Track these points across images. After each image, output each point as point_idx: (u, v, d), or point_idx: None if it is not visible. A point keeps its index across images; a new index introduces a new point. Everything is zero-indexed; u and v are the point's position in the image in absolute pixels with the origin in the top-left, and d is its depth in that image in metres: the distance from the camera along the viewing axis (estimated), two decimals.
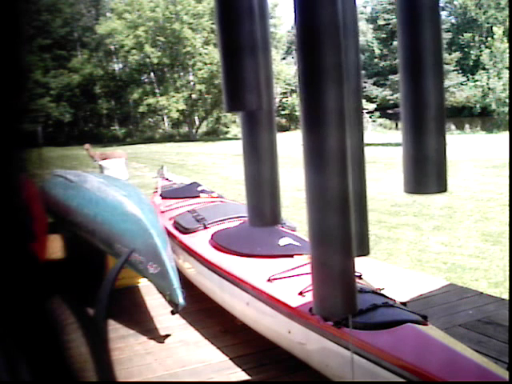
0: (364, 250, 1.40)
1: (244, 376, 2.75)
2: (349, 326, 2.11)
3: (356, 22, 1.32)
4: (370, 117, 31.97)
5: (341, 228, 1.14)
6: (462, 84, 33.86)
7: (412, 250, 5.72)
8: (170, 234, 3.75)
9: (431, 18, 1.09)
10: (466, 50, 38.50)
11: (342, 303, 1.18)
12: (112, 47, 34.27)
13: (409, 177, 1.15)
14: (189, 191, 4.92)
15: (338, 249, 1.15)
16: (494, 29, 27.58)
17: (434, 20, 1.09)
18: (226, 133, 35.91)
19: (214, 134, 35.49)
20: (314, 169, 1.13)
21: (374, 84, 35.88)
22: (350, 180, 1.14)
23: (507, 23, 29.12)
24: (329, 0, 1.06)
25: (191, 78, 33.54)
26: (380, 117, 33.95)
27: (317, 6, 1.05)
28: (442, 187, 1.14)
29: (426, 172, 1.12)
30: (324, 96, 1.08)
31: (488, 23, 37.06)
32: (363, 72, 37.35)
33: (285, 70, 33.99)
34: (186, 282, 3.32)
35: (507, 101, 24.40)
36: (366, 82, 35.96)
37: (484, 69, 28.28)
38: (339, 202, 1.13)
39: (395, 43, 27.45)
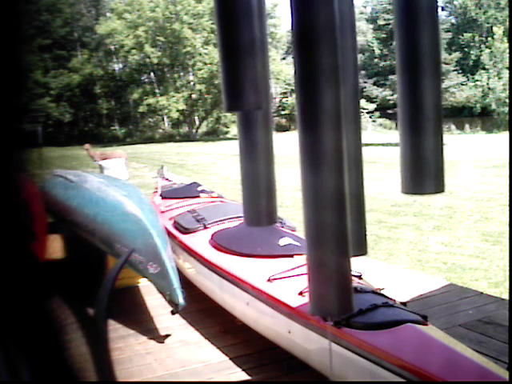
0: (362, 250, 1.40)
1: (244, 376, 2.75)
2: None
3: (353, 21, 1.32)
4: (370, 117, 31.93)
5: (337, 227, 1.14)
6: (462, 84, 33.86)
7: (412, 250, 5.72)
8: (170, 233, 3.75)
9: (429, 18, 1.09)
10: (465, 50, 38.49)
11: (339, 303, 1.18)
12: (112, 47, 34.24)
13: (406, 177, 1.15)
14: (189, 191, 4.92)
15: (334, 248, 1.15)
16: (494, 29, 27.56)
17: (432, 20, 1.09)
18: (226, 133, 35.87)
19: (214, 134, 35.47)
20: (310, 169, 1.13)
21: (374, 84, 35.86)
22: (346, 180, 1.13)
23: (507, 23, 29.10)
24: (325, 0, 1.06)
25: (191, 77, 33.52)
26: (380, 117, 33.89)
27: (313, 6, 1.05)
28: (439, 187, 1.14)
29: (424, 172, 1.12)
30: (320, 96, 1.08)
31: (488, 23, 37.04)
32: (363, 72, 37.39)
33: (285, 70, 33.93)
34: (185, 282, 3.31)
35: (507, 101, 24.38)
36: (366, 82, 35.96)
37: (484, 69, 28.25)
38: (335, 202, 1.12)
39: (395, 43, 27.43)
